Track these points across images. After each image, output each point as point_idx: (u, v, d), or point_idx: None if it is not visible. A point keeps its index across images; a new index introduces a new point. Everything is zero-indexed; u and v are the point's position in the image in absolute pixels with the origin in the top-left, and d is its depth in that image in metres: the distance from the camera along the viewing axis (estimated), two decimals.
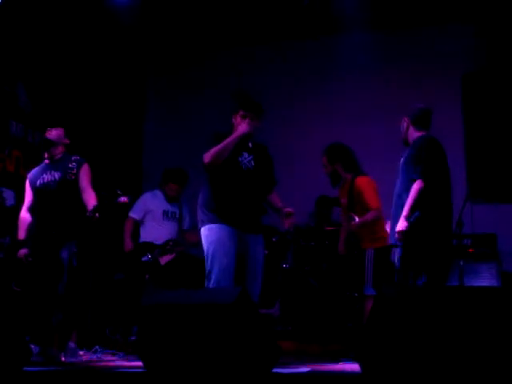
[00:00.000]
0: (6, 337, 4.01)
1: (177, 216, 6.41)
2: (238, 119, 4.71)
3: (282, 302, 6.00)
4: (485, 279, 6.14)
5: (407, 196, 4.50)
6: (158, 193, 6.48)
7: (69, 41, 7.13)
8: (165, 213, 6.38)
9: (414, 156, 4.62)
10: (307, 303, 6.06)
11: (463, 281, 5.55)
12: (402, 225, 4.45)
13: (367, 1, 6.39)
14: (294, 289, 6.15)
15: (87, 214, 4.75)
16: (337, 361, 4.88)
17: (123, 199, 4.89)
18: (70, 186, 5.00)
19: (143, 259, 6.03)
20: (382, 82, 7.42)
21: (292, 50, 7.82)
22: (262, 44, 7.86)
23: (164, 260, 6.09)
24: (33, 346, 4.77)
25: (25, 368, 4.04)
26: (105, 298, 6.57)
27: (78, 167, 5.05)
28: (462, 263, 5.67)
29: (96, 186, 5.19)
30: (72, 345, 4.96)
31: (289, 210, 4.67)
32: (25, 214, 5.15)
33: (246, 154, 4.73)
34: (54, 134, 5.16)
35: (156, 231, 6.26)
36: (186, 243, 6.28)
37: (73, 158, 5.11)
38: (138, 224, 6.42)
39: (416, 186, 4.48)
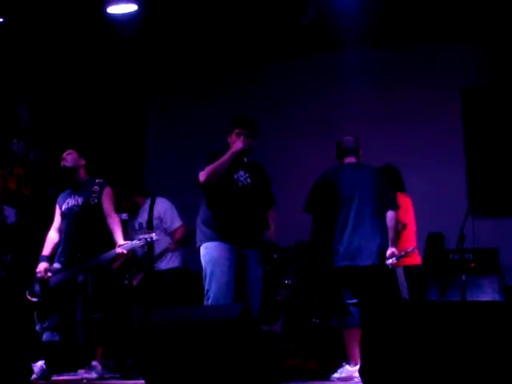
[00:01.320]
0: (7, 355, 4.00)
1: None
2: (233, 137, 4.73)
3: (284, 318, 5.97)
4: (487, 294, 6.12)
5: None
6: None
7: (70, 56, 7.17)
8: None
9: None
10: (309, 320, 6.03)
11: (465, 295, 5.54)
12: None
13: (367, 17, 6.41)
14: (296, 305, 6.13)
15: (117, 250, 4.88)
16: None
17: (156, 237, 5.07)
18: (92, 210, 5.07)
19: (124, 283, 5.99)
20: (382, 97, 7.44)
21: (290, 68, 7.84)
22: (261, 61, 7.89)
23: (136, 281, 5.95)
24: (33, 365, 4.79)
25: None
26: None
27: (101, 191, 5.11)
28: (464, 278, 5.67)
29: None
30: (94, 363, 5.01)
31: (270, 236, 4.76)
32: (52, 234, 5.21)
33: (241, 172, 4.73)
34: (69, 160, 5.16)
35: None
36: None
37: (96, 181, 5.18)
38: None
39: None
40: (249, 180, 4.74)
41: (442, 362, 3.13)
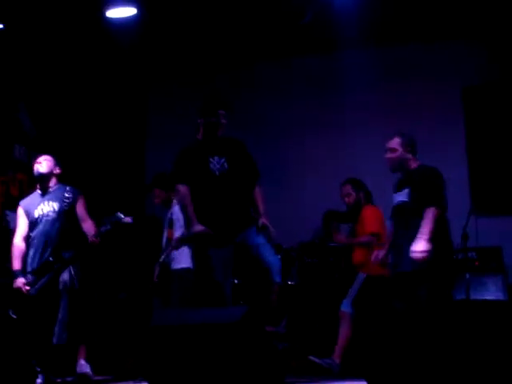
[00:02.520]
0: (12, 358, 4.02)
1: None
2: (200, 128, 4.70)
3: (287, 319, 5.97)
4: (491, 292, 6.12)
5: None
6: None
7: (70, 61, 7.18)
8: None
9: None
10: (313, 320, 6.03)
11: (469, 294, 5.54)
12: (425, 245, 4.36)
13: (366, 16, 6.40)
14: (300, 306, 6.13)
15: (89, 239, 4.87)
16: (344, 378, 4.86)
17: (127, 219, 4.95)
18: (68, 216, 5.07)
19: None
20: (382, 97, 7.44)
21: (291, 68, 7.84)
22: (261, 61, 7.88)
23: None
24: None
25: None
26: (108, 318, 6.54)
27: (75, 198, 5.12)
28: (468, 276, 5.66)
29: (100, 205, 5.28)
30: (82, 361, 4.95)
31: (264, 222, 4.55)
32: (20, 243, 5.15)
33: (216, 158, 4.61)
34: (44, 166, 5.16)
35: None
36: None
37: (68, 189, 5.17)
38: None
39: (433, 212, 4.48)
40: (225, 165, 4.61)
41: (447, 360, 3.12)
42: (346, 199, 5.74)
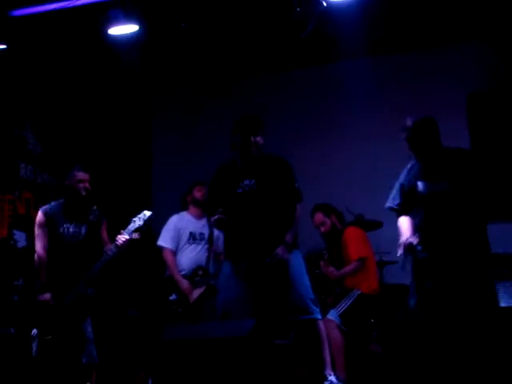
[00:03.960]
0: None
1: (205, 237, 5.57)
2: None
3: (296, 331, 5.93)
4: (504, 300, 6.06)
5: None
6: (184, 214, 5.81)
7: (74, 77, 7.24)
8: (191, 235, 5.67)
9: None
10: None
11: None
12: None
13: (370, 23, 6.39)
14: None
15: (129, 236, 4.78)
16: None
17: (135, 236, 4.87)
18: (93, 237, 4.99)
19: (170, 299, 5.44)
20: (387, 103, 7.43)
21: (293, 79, 7.85)
22: (261, 74, 7.90)
23: (194, 296, 5.44)
24: None
25: None
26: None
27: (99, 221, 5.04)
28: None
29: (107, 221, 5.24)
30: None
31: (277, 252, 4.30)
32: (44, 255, 4.95)
33: (246, 181, 4.45)
34: (88, 186, 5.00)
35: (180, 258, 5.61)
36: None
37: (93, 208, 5.07)
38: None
39: None
40: (254, 187, 4.41)
41: (458, 369, 3.09)
42: (322, 228, 5.61)
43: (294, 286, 4.33)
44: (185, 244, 5.62)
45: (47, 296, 4.82)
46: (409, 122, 4.33)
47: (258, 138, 4.45)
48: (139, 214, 4.89)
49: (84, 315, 4.84)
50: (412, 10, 6.55)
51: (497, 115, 7.13)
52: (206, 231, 5.56)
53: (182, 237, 5.62)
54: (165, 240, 5.61)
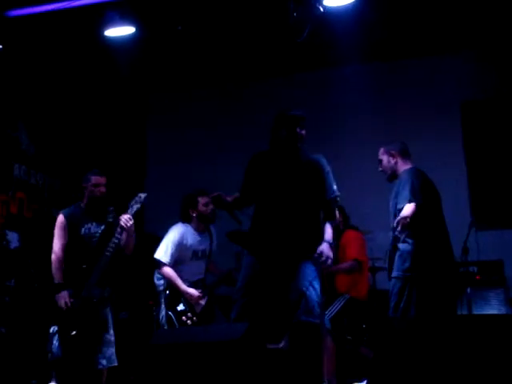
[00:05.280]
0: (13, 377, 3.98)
1: (206, 253, 5.60)
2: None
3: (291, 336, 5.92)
4: (493, 306, 6.08)
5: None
6: (189, 229, 5.60)
7: (68, 78, 7.22)
8: (194, 253, 5.57)
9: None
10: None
11: (471, 308, 5.52)
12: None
13: (365, 31, 6.42)
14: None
15: (122, 223, 4.79)
16: None
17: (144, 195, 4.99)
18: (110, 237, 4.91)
19: (178, 309, 5.37)
20: (382, 111, 7.45)
21: (289, 83, 7.86)
22: (258, 78, 7.91)
23: (200, 307, 5.45)
24: None
25: None
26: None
27: (116, 222, 4.94)
28: (469, 290, 5.64)
29: None
30: None
31: (318, 253, 4.17)
32: (62, 255, 4.91)
33: (284, 177, 4.36)
34: (104, 187, 5.02)
35: (180, 271, 5.50)
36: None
37: (110, 209, 5.02)
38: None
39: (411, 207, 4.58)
40: (290, 183, 4.30)
41: (450, 376, 3.10)
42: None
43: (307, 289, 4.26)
44: (187, 260, 5.53)
45: (64, 294, 4.77)
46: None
47: (303, 132, 4.46)
48: (135, 197, 4.93)
49: (102, 315, 4.82)
50: (408, 18, 6.59)
51: (490, 123, 7.18)
52: (207, 247, 5.59)
53: (185, 253, 5.52)
54: (166, 255, 5.46)
